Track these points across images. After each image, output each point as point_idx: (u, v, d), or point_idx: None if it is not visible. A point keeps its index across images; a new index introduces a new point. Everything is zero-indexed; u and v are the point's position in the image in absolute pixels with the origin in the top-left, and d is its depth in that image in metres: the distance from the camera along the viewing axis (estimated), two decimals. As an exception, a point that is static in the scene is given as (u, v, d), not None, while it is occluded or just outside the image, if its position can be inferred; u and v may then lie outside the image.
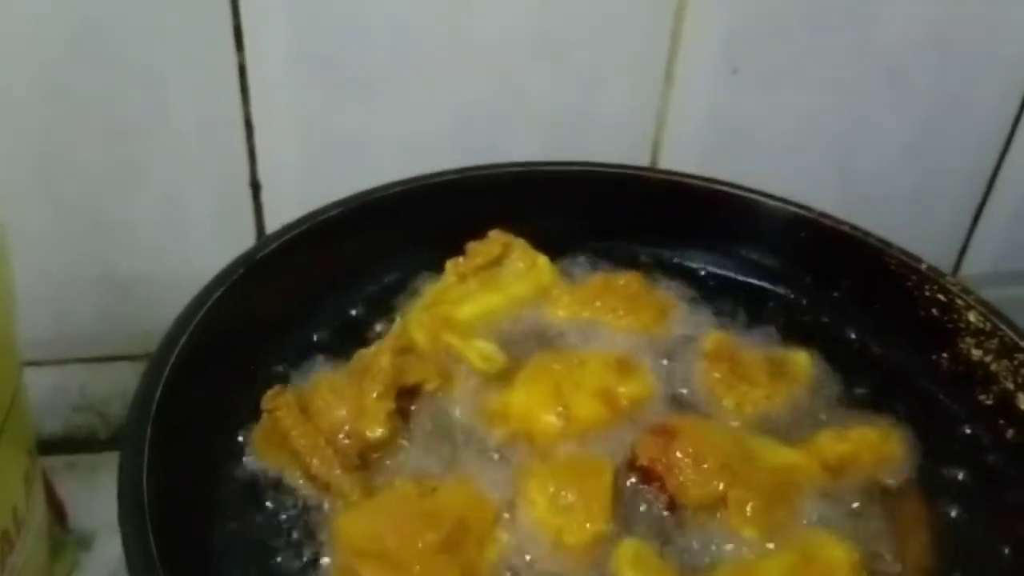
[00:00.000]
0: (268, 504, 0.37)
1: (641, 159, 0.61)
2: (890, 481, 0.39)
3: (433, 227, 0.46)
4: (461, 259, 0.46)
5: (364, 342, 0.42)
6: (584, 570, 0.34)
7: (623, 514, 0.36)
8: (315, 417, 0.38)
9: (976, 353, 0.43)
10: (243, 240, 0.52)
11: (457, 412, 0.40)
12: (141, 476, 0.33)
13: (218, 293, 0.40)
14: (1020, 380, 0.41)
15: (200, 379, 0.37)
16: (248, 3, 0.51)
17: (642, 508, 0.37)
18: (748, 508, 0.36)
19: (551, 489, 0.36)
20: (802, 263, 0.48)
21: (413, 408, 0.40)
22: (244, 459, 0.38)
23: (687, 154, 0.60)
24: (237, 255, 0.42)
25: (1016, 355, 0.41)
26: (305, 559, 0.35)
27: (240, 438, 0.39)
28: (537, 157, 0.51)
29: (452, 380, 0.41)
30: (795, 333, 0.45)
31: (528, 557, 0.35)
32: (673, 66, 0.58)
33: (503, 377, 0.41)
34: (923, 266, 0.45)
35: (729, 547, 0.35)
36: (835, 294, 0.48)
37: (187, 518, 0.35)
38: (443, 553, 0.34)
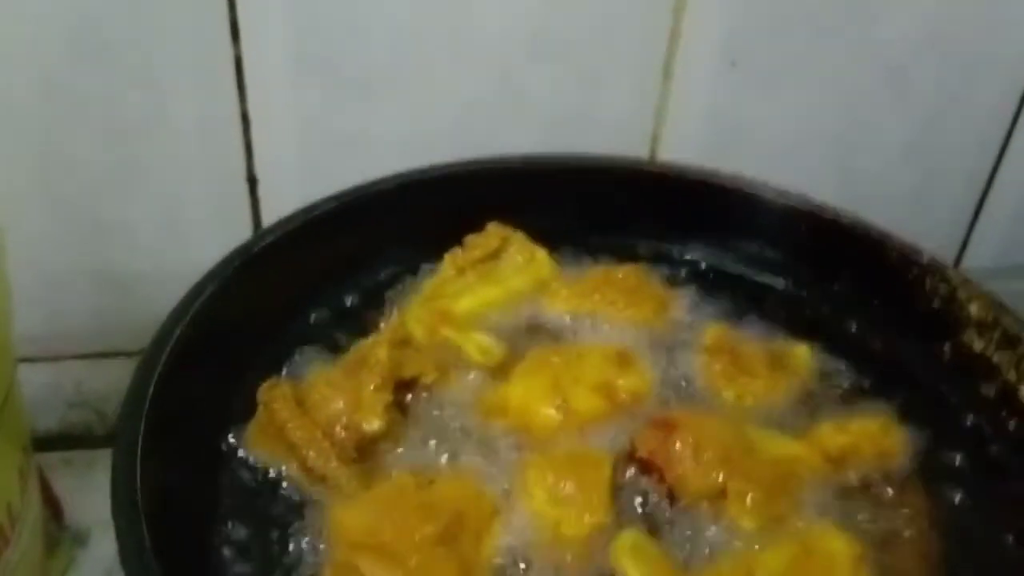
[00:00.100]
0: (264, 497, 0.36)
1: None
2: (891, 473, 0.38)
3: (431, 220, 0.46)
4: (459, 252, 0.45)
5: (361, 335, 0.42)
6: (582, 562, 0.34)
7: (622, 506, 0.36)
8: (312, 410, 0.38)
9: (978, 344, 0.42)
10: (241, 238, 0.52)
11: (455, 405, 0.39)
12: (135, 469, 0.33)
13: (213, 287, 0.40)
14: (1022, 371, 0.41)
15: (195, 372, 0.37)
16: (246, 3, 0.51)
17: (641, 500, 0.36)
18: (748, 500, 0.35)
19: (549, 481, 0.36)
20: (802, 255, 0.48)
21: (410, 400, 0.39)
22: (240, 452, 0.38)
23: (686, 154, 0.60)
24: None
25: (1018, 346, 0.41)
26: (302, 551, 0.35)
27: (235, 431, 0.38)
28: (537, 156, 0.51)
29: (450, 373, 0.40)
30: (795, 325, 0.45)
31: (526, 549, 0.34)
32: (672, 65, 0.58)
33: (501, 370, 0.41)
34: (924, 258, 0.45)
35: (729, 539, 0.35)
36: (835, 286, 0.47)
37: (182, 512, 0.34)
38: (440, 545, 0.34)
